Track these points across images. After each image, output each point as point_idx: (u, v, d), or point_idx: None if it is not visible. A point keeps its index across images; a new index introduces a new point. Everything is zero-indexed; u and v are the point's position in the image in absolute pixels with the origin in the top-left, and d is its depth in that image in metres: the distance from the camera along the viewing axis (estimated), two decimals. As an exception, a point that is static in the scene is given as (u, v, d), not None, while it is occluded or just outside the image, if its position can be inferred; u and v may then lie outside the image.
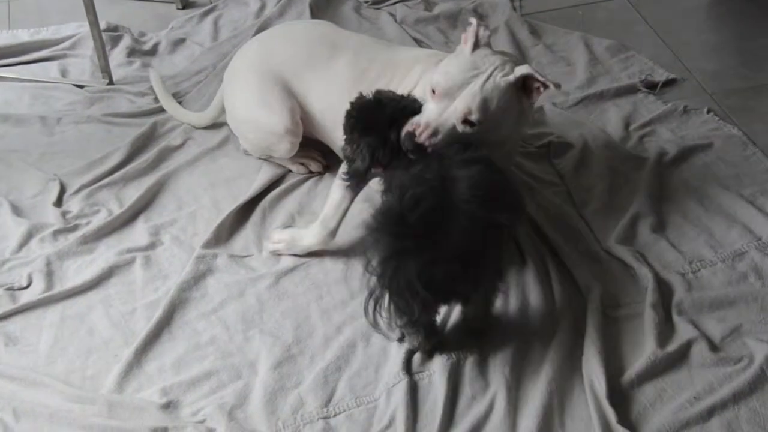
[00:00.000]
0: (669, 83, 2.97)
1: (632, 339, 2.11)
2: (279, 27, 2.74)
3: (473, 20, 2.23)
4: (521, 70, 2.17)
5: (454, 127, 2.14)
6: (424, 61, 2.41)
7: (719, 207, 2.47)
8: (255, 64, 2.53)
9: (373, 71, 2.42)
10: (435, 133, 2.14)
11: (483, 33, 2.22)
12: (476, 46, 2.20)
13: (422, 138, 2.14)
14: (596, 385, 1.98)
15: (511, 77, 2.16)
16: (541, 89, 2.18)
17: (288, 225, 2.44)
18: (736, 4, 3.38)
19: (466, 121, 2.15)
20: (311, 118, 2.52)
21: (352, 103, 2.17)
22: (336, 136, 2.41)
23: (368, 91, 2.18)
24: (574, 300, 2.20)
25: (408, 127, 2.16)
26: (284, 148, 2.51)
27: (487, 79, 2.16)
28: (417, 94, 2.29)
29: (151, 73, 2.90)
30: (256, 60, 2.54)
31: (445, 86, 2.16)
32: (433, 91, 2.17)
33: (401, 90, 2.32)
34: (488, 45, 2.22)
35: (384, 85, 2.35)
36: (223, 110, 2.67)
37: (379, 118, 2.13)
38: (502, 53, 2.24)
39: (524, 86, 2.18)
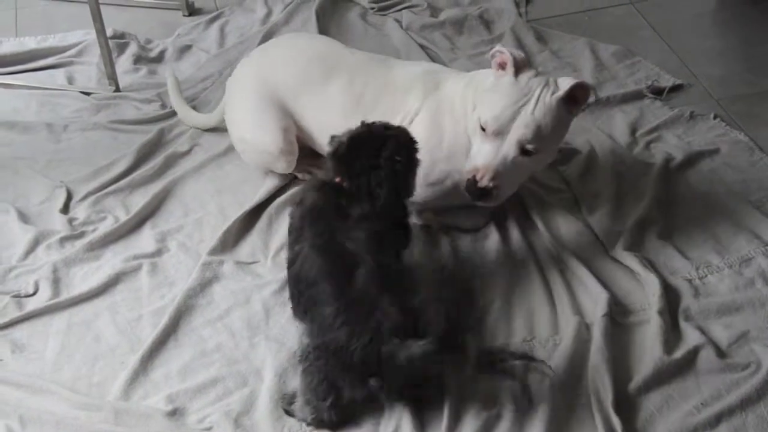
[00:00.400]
0: (675, 89, 2.97)
1: (639, 346, 2.11)
2: (278, 41, 2.70)
3: (502, 48, 2.20)
4: (567, 81, 2.15)
5: (512, 162, 2.15)
6: (422, 80, 2.39)
7: (726, 213, 2.47)
8: (252, 82, 2.53)
9: (369, 96, 2.40)
10: (496, 175, 2.13)
11: (520, 57, 2.19)
12: (517, 71, 2.18)
13: (485, 182, 2.14)
14: (602, 392, 1.97)
15: (561, 93, 2.15)
16: (589, 95, 2.18)
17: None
18: (741, 10, 3.38)
19: (524, 152, 2.15)
20: (310, 136, 2.52)
21: (335, 141, 2.07)
22: None
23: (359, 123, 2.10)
24: (580, 307, 2.20)
25: (467, 175, 2.15)
26: (281, 166, 2.52)
27: (536, 103, 2.14)
28: (421, 122, 2.30)
29: (168, 75, 2.89)
30: (253, 78, 2.54)
31: (496, 125, 2.14)
32: (483, 129, 2.16)
33: (401, 115, 2.34)
34: (527, 66, 2.20)
35: (382, 112, 2.33)
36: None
37: (368, 148, 2.04)
38: (544, 73, 2.23)
39: (571, 97, 2.17)
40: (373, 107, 2.38)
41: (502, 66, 2.22)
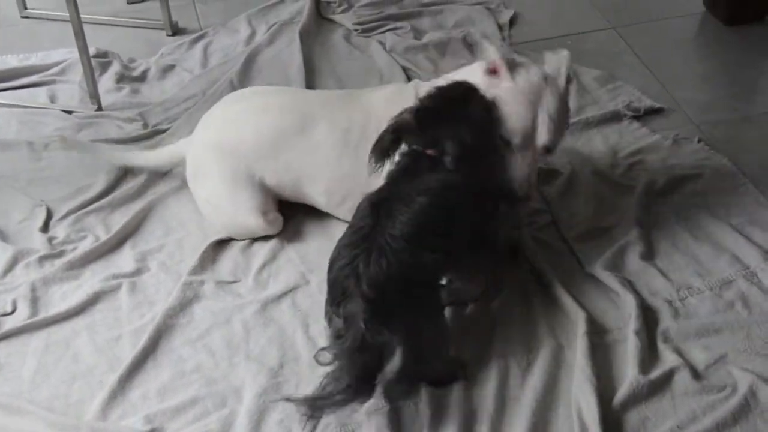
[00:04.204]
0: (656, 112, 2.98)
1: (616, 366, 2.10)
2: (234, 109, 2.50)
3: (487, 45, 2.19)
4: (563, 69, 2.17)
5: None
6: (392, 99, 2.35)
7: (708, 236, 2.48)
8: (221, 162, 2.42)
9: (355, 128, 2.37)
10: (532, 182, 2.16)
11: (509, 55, 2.17)
12: (511, 71, 2.15)
13: (530, 191, 2.16)
14: (584, 412, 1.97)
15: (562, 80, 2.16)
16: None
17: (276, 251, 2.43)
18: (722, 36, 3.40)
19: (546, 150, 2.18)
20: (297, 191, 2.45)
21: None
22: (330, 201, 2.42)
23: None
24: (557, 327, 2.20)
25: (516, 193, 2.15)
26: (269, 232, 2.47)
27: (549, 101, 2.13)
28: None
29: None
30: (222, 158, 2.42)
31: (523, 140, 2.13)
32: (506, 142, 2.14)
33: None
34: (516, 65, 2.18)
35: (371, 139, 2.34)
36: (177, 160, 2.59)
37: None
38: (529, 63, 2.23)
39: None
40: (363, 140, 2.33)
41: (493, 72, 2.18)
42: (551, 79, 2.17)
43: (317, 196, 2.45)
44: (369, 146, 2.30)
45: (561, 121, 2.17)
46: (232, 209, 2.43)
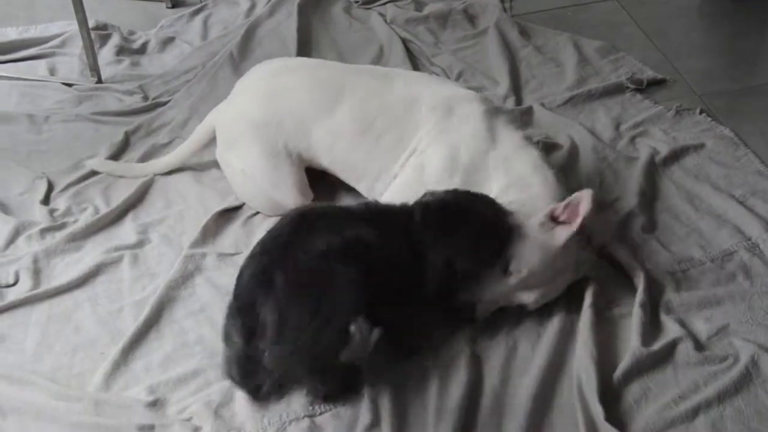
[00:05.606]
0: (658, 83, 2.98)
1: (621, 338, 2.10)
2: (277, 83, 2.45)
3: (586, 197, 2.06)
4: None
5: None
6: (434, 111, 2.32)
7: (710, 207, 2.48)
8: (262, 137, 2.39)
9: (380, 123, 2.33)
10: None
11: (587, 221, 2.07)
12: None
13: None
14: (585, 383, 1.97)
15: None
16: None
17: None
18: (725, 6, 3.39)
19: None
20: (323, 166, 2.44)
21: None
22: (349, 177, 2.41)
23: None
24: (563, 299, 2.18)
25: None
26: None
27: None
28: (432, 162, 2.26)
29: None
30: (263, 132, 2.39)
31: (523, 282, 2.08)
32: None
33: (407, 152, 2.30)
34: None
35: (388, 143, 2.32)
36: (194, 151, 2.58)
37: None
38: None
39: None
40: (380, 135, 2.33)
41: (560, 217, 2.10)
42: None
43: (340, 172, 2.44)
44: (390, 137, 2.30)
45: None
46: (270, 185, 2.42)
